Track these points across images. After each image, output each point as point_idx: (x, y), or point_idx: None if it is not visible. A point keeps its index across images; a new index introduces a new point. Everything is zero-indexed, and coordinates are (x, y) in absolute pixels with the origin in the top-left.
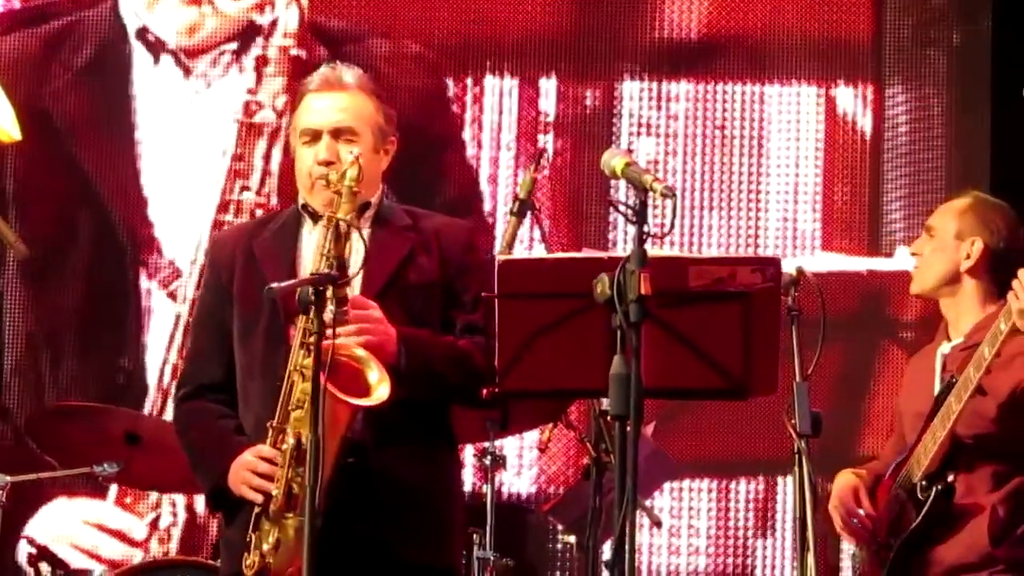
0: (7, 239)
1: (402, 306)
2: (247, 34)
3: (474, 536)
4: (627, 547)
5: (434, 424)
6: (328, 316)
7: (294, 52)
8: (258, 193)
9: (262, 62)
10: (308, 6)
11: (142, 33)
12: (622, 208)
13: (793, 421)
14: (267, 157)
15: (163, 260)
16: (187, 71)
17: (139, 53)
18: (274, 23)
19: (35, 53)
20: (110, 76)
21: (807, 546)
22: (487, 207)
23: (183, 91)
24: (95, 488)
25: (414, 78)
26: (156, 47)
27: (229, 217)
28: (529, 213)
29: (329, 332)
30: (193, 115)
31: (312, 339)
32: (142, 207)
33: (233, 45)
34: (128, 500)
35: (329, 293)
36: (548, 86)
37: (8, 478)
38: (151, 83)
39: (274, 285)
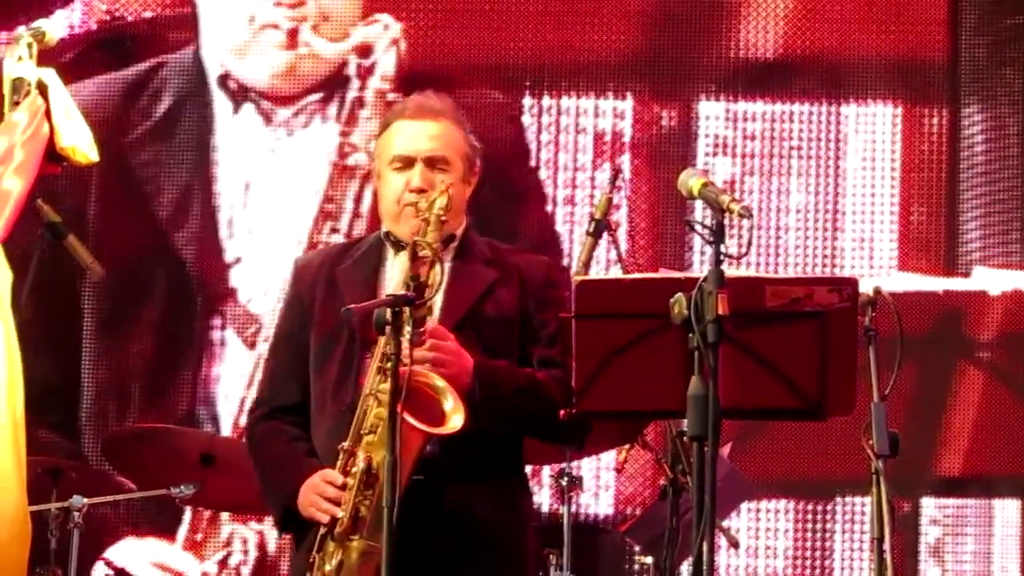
0: (83, 260)
1: (479, 340)
2: (334, 83)
3: (551, 557)
4: (705, 568)
5: (507, 457)
6: (405, 338)
7: (391, 97)
8: (347, 235)
9: (358, 104)
10: (406, 50)
11: (223, 80)
12: (699, 228)
13: (871, 441)
14: (358, 199)
15: (239, 308)
16: (268, 119)
17: (219, 101)
18: (372, 66)
19: (115, 100)
20: (189, 125)
21: (884, 567)
22: (564, 228)
23: (263, 139)
24: (164, 527)
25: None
26: (237, 95)
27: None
28: (605, 233)
29: (406, 356)
30: (273, 163)
31: (389, 364)
32: (219, 256)
33: (318, 96)
34: (198, 537)
35: (406, 314)
36: (625, 106)
37: (85, 500)
38: (230, 132)
39: (352, 306)
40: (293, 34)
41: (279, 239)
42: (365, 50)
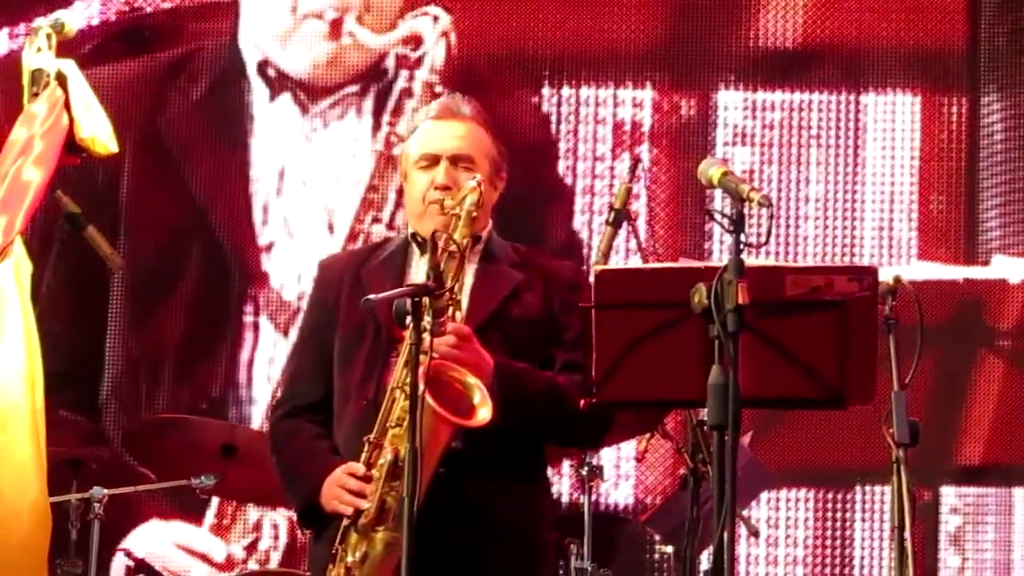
0: (103, 251)
1: (504, 341)
2: (370, 76)
3: (571, 546)
4: (725, 557)
5: (530, 455)
6: (426, 328)
7: (438, 89)
8: (389, 226)
9: (406, 95)
10: (456, 44)
11: (262, 67)
12: (719, 218)
13: (891, 430)
14: (401, 190)
15: (272, 293)
16: (304, 109)
17: (257, 88)
18: (421, 58)
19: (152, 79)
20: (226, 109)
21: (905, 555)
22: (583, 218)
23: (299, 128)
24: (192, 509)
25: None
26: (275, 83)
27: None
28: (625, 223)
29: (431, 345)
30: (308, 151)
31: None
32: (253, 239)
33: (355, 88)
34: (226, 522)
35: (426, 304)
36: (644, 96)
37: (106, 491)
38: (266, 119)
39: (371, 296)
40: (336, 24)
41: (312, 226)
42: (414, 41)
